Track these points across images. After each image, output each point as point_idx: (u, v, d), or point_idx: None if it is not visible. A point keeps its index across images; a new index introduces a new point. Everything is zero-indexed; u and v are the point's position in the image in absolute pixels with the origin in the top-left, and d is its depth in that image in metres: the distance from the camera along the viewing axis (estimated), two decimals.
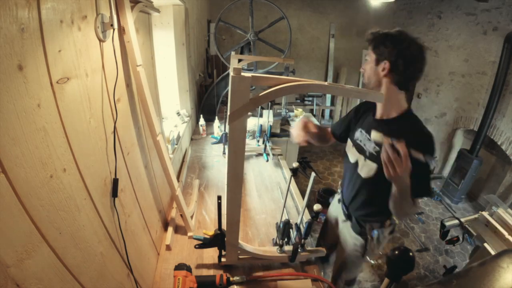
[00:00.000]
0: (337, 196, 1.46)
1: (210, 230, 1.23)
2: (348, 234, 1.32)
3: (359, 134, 1.20)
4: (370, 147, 1.12)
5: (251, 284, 1.16)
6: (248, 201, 1.74)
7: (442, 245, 2.72)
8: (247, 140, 2.59)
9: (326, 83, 0.75)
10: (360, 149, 1.17)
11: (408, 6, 4.61)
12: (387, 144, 0.82)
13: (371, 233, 1.22)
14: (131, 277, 0.94)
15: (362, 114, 1.25)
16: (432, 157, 0.96)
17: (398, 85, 1.00)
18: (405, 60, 0.95)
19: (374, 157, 1.09)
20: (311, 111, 5.02)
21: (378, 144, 1.08)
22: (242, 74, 0.70)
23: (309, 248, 1.26)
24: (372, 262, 1.27)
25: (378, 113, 1.13)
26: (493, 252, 1.57)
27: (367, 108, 1.24)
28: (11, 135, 0.48)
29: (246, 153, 1.51)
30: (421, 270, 2.48)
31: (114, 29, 0.83)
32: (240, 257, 1.21)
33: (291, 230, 1.24)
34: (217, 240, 1.17)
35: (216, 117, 2.71)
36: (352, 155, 1.22)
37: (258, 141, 2.44)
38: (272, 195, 1.80)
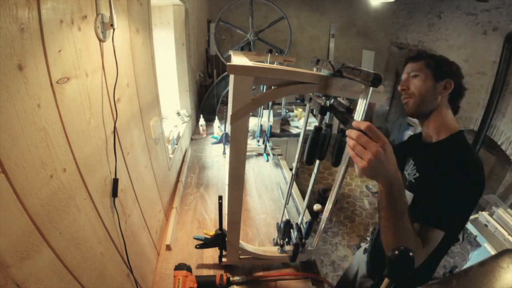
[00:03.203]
0: (364, 245, 1.29)
1: (210, 230, 1.23)
2: None
3: (408, 165, 1.02)
4: (411, 175, 0.96)
5: (251, 284, 1.16)
6: (248, 201, 1.73)
7: None
8: (247, 140, 2.59)
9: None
10: (404, 181, 0.98)
11: (408, 6, 4.60)
12: (353, 124, 0.60)
13: None
14: (131, 277, 0.94)
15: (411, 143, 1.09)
16: (471, 189, 0.78)
17: (451, 104, 0.95)
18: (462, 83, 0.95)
19: (412, 185, 0.93)
20: (312, 111, 5.01)
21: (420, 168, 0.92)
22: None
23: (309, 248, 1.26)
24: None
25: (426, 135, 0.98)
26: (493, 252, 1.57)
27: (415, 136, 1.10)
28: (11, 135, 0.48)
29: (246, 153, 1.51)
30: None
31: (114, 29, 0.83)
32: (241, 257, 1.21)
33: (291, 230, 1.24)
34: (218, 240, 1.17)
35: (216, 117, 2.71)
36: None
37: (258, 141, 2.44)
38: (272, 195, 1.80)
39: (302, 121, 3.00)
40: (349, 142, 0.59)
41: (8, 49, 0.46)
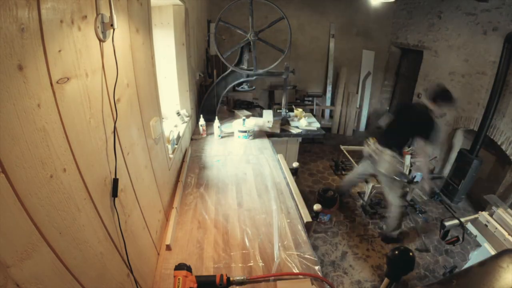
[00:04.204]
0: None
1: (209, 230, 1.22)
2: None
3: None
4: None
5: (251, 284, 1.16)
6: (248, 201, 1.73)
7: (442, 245, 2.72)
8: (254, 140, 2.59)
9: None
10: None
11: (408, 6, 4.60)
12: None
13: None
14: (131, 277, 0.94)
15: None
16: None
17: None
18: None
19: None
20: (311, 111, 5.01)
21: None
22: None
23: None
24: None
25: None
26: (493, 252, 1.57)
27: None
28: (11, 135, 0.48)
29: None
30: (421, 270, 2.47)
31: (114, 29, 0.83)
32: None
33: None
34: None
35: (216, 117, 2.71)
36: None
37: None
38: (272, 195, 1.80)
39: (302, 121, 3.01)
40: None
41: (8, 49, 0.46)
